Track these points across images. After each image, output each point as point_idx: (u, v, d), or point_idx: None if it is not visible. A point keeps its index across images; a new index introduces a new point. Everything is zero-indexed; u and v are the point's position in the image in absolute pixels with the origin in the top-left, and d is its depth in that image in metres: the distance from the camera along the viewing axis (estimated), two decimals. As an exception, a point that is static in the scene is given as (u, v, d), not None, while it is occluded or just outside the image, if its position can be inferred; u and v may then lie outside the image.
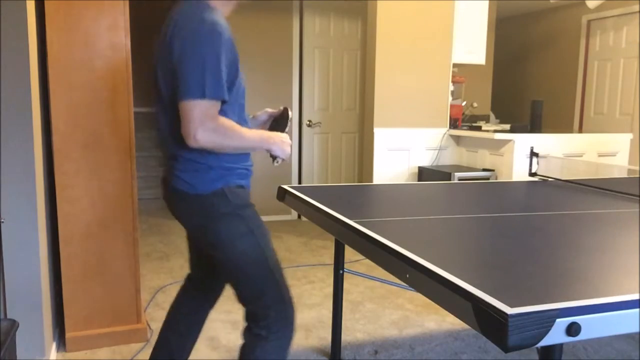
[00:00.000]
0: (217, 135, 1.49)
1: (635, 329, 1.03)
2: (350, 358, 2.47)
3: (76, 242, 2.43)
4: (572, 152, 4.01)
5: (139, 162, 6.05)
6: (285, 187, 2.35)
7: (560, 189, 2.54)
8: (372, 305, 3.12)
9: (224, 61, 1.49)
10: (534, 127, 4.06)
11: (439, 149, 4.40)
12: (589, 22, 6.06)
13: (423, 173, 4.29)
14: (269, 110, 1.90)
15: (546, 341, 0.96)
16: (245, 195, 1.65)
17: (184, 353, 1.91)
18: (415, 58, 4.26)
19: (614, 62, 5.77)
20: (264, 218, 5.31)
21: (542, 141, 3.86)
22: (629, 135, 4.20)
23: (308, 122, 5.32)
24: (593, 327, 0.99)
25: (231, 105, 1.58)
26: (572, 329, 0.97)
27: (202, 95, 1.46)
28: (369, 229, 1.61)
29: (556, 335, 0.96)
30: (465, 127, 4.45)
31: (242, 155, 1.65)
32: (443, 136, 4.40)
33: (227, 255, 1.61)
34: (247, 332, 1.67)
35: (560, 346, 1.08)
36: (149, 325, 2.71)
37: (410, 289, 2.12)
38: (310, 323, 2.85)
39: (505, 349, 0.94)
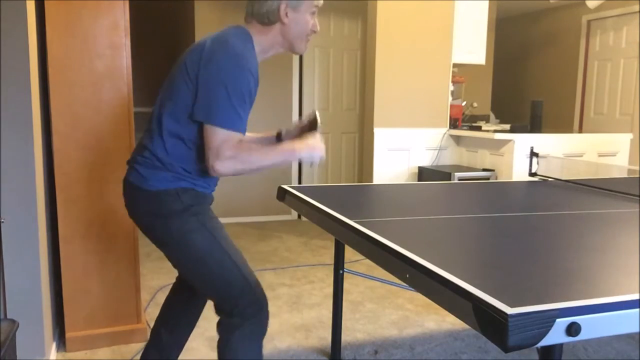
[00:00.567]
0: (235, 163, 1.50)
1: (635, 329, 1.03)
2: (350, 358, 2.47)
3: (76, 242, 2.43)
4: (572, 152, 4.01)
5: (139, 162, 6.03)
6: (285, 187, 2.35)
7: (560, 189, 2.54)
8: (372, 305, 3.12)
9: (248, 95, 1.52)
10: (534, 127, 4.06)
11: (439, 149, 4.40)
12: (589, 22, 6.06)
13: (423, 173, 4.29)
14: (298, 122, 1.88)
15: (546, 341, 0.96)
16: (200, 198, 1.62)
17: (176, 349, 1.91)
18: (415, 58, 4.26)
19: (614, 62, 5.77)
20: (264, 218, 5.31)
21: (542, 141, 3.86)
22: (629, 135, 4.20)
23: (308, 122, 5.32)
24: (593, 327, 0.99)
25: None
26: (572, 329, 0.97)
27: (225, 125, 1.49)
28: (369, 229, 1.61)
29: (556, 335, 0.96)
30: (465, 127, 4.45)
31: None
32: (443, 136, 4.40)
33: (181, 252, 1.58)
34: (220, 326, 1.64)
35: (560, 346, 1.08)
36: (149, 325, 2.71)
37: (410, 289, 2.12)
38: (310, 323, 2.85)
39: (505, 349, 0.94)
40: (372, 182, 4.25)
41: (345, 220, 1.72)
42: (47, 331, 2.23)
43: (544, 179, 2.86)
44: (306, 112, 1.69)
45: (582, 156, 4.05)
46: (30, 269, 2.10)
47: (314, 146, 1.64)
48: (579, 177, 3.31)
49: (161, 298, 3.17)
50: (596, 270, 1.25)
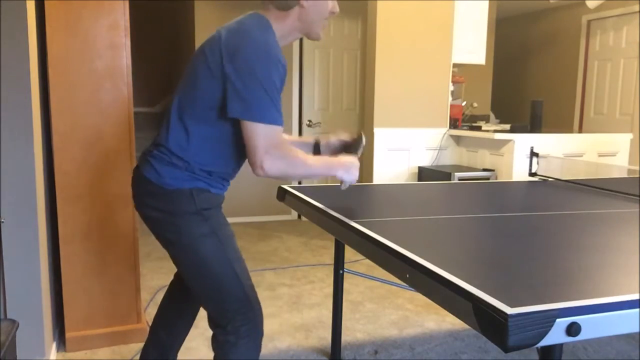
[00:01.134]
0: (282, 163, 1.48)
1: (635, 329, 1.03)
2: (350, 358, 2.47)
3: (76, 242, 2.43)
4: (572, 152, 4.01)
5: (139, 162, 6.04)
6: (285, 187, 2.35)
7: (560, 189, 2.54)
8: (372, 305, 3.12)
9: (281, 86, 1.49)
10: (534, 127, 4.06)
11: (439, 149, 4.40)
12: (589, 22, 6.06)
13: (423, 173, 4.29)
14: (342, 137, 1.86)
15: (546, 341, 0.96)
16: (214, 200, 1.59)
17: (174, 347, 1.91)
18: (415, 58, 4.26)
19: (614, 62, 5.77)
20: (264, 218, 5.31)
21: (542, 141, 3.86)
22: (629, 135, 4.20)
23: (308, 122, 5.32)
24: (593, 327, 0.99)
25: None
26: (572, 329, 0.97)
27: (265, 120, 1.44)
28: (369, 229, 1.61)
29: (556, 335, 0.96)
30: (465, 127, 4.45)
31: (227, 163, 1.60)
32: (443, 136, 4.40)
33: (186, 254, 1.54)
34: (215, 341, 1.60)
35: (560, 346, 1.08)
36: (148, 325, 2.71)
37: (410, 289, 2.12)
38: (310, 323, 2.85)
39: (505, 349, 0.94)
40: (372, 182, 4.25)
41: (345, 220, 1.72)
42: (47, 331, 2.23)
43: (544, 179, 2.86)
44: (352, 130, 1.69)
45: (582, 156, 4.05)
46: (30, 269, 2.10)
47: (351, 168, 1.65)
48: (579, 177, 3.31)
49: (161, 298, 3.17)
50: (596, 270, 1.25)
